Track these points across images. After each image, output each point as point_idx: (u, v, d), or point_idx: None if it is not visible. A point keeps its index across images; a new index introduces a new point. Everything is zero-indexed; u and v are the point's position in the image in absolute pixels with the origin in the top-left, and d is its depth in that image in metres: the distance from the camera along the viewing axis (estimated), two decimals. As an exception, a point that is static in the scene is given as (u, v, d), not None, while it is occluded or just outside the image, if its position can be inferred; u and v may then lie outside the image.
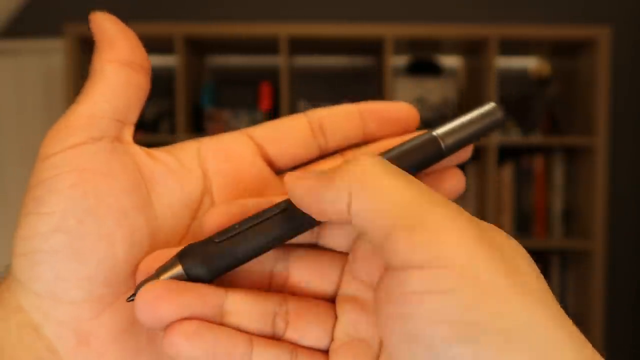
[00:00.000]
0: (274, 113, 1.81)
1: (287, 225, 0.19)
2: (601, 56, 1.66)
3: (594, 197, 1.68)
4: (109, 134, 0.19)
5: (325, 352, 0.20)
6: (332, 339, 0.20)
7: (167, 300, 0.18)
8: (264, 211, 0.20)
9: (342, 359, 0.19)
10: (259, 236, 0.19)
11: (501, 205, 1.77)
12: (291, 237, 0.20)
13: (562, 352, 0.14)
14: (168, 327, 0.18)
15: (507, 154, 1.78)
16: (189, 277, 0.18)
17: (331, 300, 0.21)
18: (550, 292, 0.16)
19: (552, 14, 1.94)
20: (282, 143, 0.22)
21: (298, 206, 0.18)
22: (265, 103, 1.83)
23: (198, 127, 1.79)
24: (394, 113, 0.22)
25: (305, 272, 0.21)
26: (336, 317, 0.20)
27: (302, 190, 0.18)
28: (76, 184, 0.18)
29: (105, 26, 0.20)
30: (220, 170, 0.21)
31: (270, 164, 0.23)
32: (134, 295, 0.18)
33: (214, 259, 0.19)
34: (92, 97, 0.19)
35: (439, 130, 0.21)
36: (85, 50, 1.72)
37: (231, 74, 1.98)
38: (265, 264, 0.21)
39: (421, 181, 0.19)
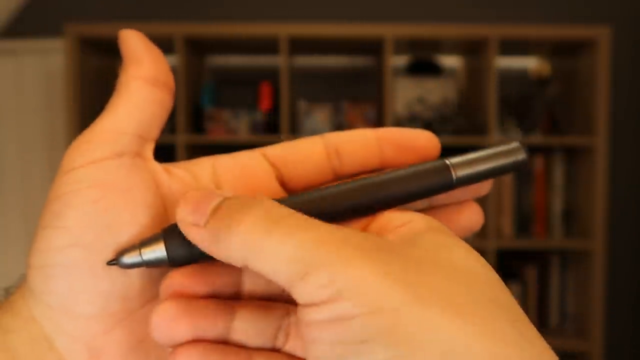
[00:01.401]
0: (274, 113, 1.81)
1: None
2: (601, 56, 1.66)
3: (594, 197, 1.68)
4: (130, 150, 0.20)
5: None
6: None
7: (180, 321, 0.18)
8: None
9: None
10: None
11: (501, 205, 1.77)
12: None
13: (463, 355, 0.15)
14: (176, 350, 0.18)
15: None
16: (169, 256, 0.19)
17: None
18: (476, 287, 0.16)
19: (552, 14, 1.94)
20: (296, 165, 0.22)
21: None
22: (265, 103, 1.83)
23: (198, 127, 1.79)
24: (413, 141, 0.22)
25: None
26: None
27: (194, 238, 0.18)
28: (96, 200, 0.19)
29: (133, 44, 0.20)
30: (234, 187, 0.22)
31: (284, 184, 0.23)
32: (114, 260, 0.18)
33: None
34: (116, 112, 0.20)
35: (454, 160, 0.20)
36: (85, 50, 1.71)
37: (231, 74, 1.98)
38: None
39: (435, 214, 0.19)
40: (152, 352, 0.20)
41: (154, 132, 0.21)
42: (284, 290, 0.21)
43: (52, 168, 1.96)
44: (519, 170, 0.21)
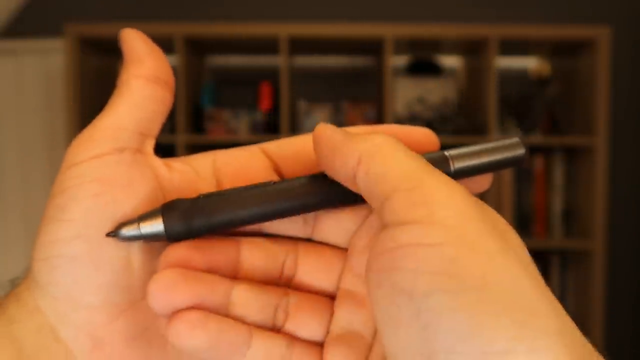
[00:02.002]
0: (274, 113, 1.81)
1: (277, 201, 0.20)
2: (601, 56, 1.66)
3: (594, 197, 1.68)
4: (131, 146, 0.20)
5: (321, 344, 0.21)
6: (327, 332, 0.21)
7: (180, 287, 0.18)
8: (263, 183, 0.20)
9: (335, 350, 0.20)
10: (246, 204, 0.20)
11: (501, 205, 1.77)
12: (280, 215, 0.20)
13: (541, 319, 0.15)
14: (173, 315, 0.18)
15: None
16: (167, 231, 0.19)
17: (333, 295, 0.22)
18: (537, 271, 0.17)
19: (552, 14, 1.94)
20: (295, 161, 0.23)
21: (316, 153, 0.20)
22: (265, 103, 1.83)
23: (198, 127, 1.79)
24: (411, 137, 0.22)
25: (310, 267, 0.22)
26: (333, 312, 0.21)
27: (324, 140, 0.19)
28: (98, 194, 0.19)
29: (135, 43, 0.21)
30: (234, 181, 0.22)
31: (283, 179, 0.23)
32: (113, 232, 0.19)
33: (194, 217, 0.19)
34: (117, 110, 0.20)
35: (452, 152, 0.21)
36: (85, 50, 1.71)
37: (231, 74, 1.98)
38: (278, 257, 0.21)
39: None
40: (154, 341, 0.20)
41: (155, 128, 0.21)
42: (281, 274, 0.21)
43: (52, 168, 1.96)
44: (518, 165, 0.22)
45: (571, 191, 1.81)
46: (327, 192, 0.20)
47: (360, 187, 0.18)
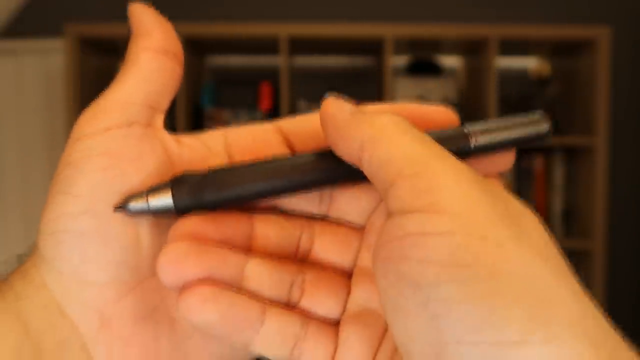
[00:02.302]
0: (274, 113, 1.81)
1: (289, 176, 0.19)
2: (601, 56, 1.66)
3: (594, 197, 1.68)
4: (140, 120, 0.20)
5: (337, 322, 0.20)
6: (344, 310, 0.20)
7: (191, 259, 0.18)
8: (275, 157, 0.20)
9: (351, 328, 0.19)
10: (257, 177, 0.19)
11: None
12: (292, 190, 0.20)
13: (557, 308, 0.14)
14: (184, 288, 0.18)
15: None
16: (175, 206, 0.19)
17: (350, 272, 0.21)
18: (558, 254, 0.16)
19: (552, 14, 1.94)
20: (308, 138, 0.22)
21: (322, 130, 0.19)
22: (265, 103, 1.82)
23: (198, 127, 1.79)
24: (430, 115, 0.21)
25: (327, 244, 0.21)
26: (350, 290, 0.20)
27: (329, 119, 0.19)
28: (106, 168, 0.19)
29: (143, 17, 0.21)
30: (246, 156, 0.22)
31: None
32: (121, 205, 0.18)
33: (204, 191, 0.19)
34: (126, 83, 0.20)
35: (472, 127, 0.20)
36: (85, 50, 1.71)
37: (231, 74, 1.98)
38: (294, 232, 0.21)
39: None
40: (163, 321, 0.20)
41: (164, 102, 0.21)
42: (296, 251, 0.21)
43: (52, 168, 1.96)
44: (541, 142, 0.21)
45: (571, 191, 1.81)
46: (338, 169, 0.19)
47: (365, 171, 0.18)
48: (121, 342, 0.19)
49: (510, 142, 0.20)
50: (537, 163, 1.80)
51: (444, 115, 0.22)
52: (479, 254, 0.14)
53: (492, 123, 0.20)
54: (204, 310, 0.17)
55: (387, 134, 0.17)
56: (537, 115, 0.21)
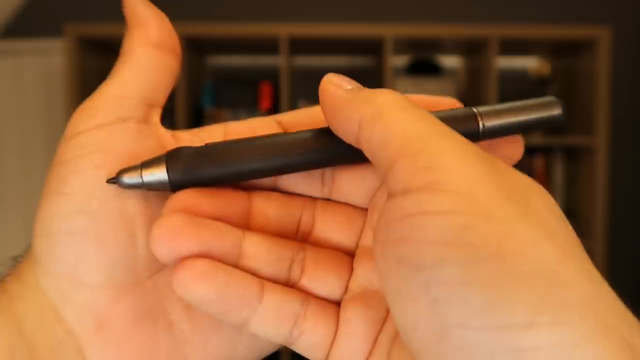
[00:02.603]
0: (274, 113, 1.81)
1: (288, 153, 0.18)
2: (601, 56, 1.66)
3: (594, 197, 1.68)
4: (136, 116, 0.19)
5: (338, 303, 0.19)
6: (345, 291, 0.19)
7: (185, 233, 0.17)
8: (273, 134, 0.19)
9: (353, 309, 0.18)
10: (255, 152, 0.18)
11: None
12: (288, 171, 0.19)
13: (566, 289, 0.13)
14: (179, 263, 0.17)
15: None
16: (170, 180, 0.18)
17: (352, 251, 0.20)
18: (570, 232, 0.15)
19: (552, 14, 1.94)
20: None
21: (321, 108, 0.18)
22: (265, 103, 1.82)
23: (198, 127, 1.79)
24: (434, 106, 0.20)
25: (328, 223, 0.20)
26: (352, 270, 0.20)
27: (328, 97, 0.18)
28: (100, 165, 0.18)
29: (138, 8, 0.20)
30: None
31: None
32: (114, 178, 0.18)
33: (200, 166, 0.18)
34: (121, 77, 0.19)
35: (482, 108, 0.19)
36: (85, 50, 1.71)
37: (231, 74, 1.98)
38: (294, 211, 0.20)
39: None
40: (160, 322, 0.19)
41: (161, 97, 0.20)
42: (297, 230, 0.20)
43: (52, 168, 1.96)
44: (552, 126, 0.20)
45: (571, 191, 1.80)
46: (338, 148, 0.18)
47: (365, 151, 0.17)
48: (117, 345, 0.18)
49: (521, 126, 0.19)
50: (537, 163, 1.80)
51: (450, 105, 0.21)
52: (483, 233, 0.14)
53: (502, 105, 0.19)
54: (199, 285, 0.16)
55: (387, 111, 0.16)
56: (549, 98, 0.20)
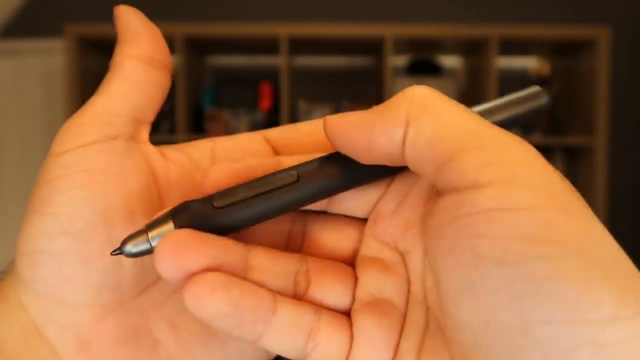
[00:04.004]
0: (274, 113, 1.81)
1: (297, 195, 0.18)
2: (601, 56, 1.66)
3: (594, 197, 1.68)
4: (124, 133, 0.19)
5: (346, 312, 0.19)
6: (353, 300, 0.19)
7: (192, 248, 0.16)
8: (273, 177, 0.18)
9: (366, 318, 0.18)
10: (263, 206, 0.18)
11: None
12: (299, 208, 0.19)
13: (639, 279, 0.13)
14: (191, 278, 0.16)
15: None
16: None
17: (348, 262, 0.20)
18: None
19: (552, 14, 1.94)
20: (297, 148, 0.21)
21: (339, 149, 0.17)
22: (265, 103, 1.83)
23: (198, 127, 1.79)
24: None
25: (321, 234, 0.20)
26: (356, 278, 0.19)
27: (348, 127, 0.17)
28: (86, 186, 0.18)
29: (129, 20, 0.19)
30: None
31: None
32: (118, 249, 0.17)
33: (211, 222, 0.17)
34: (110, 93, 0.19)
35: (476, 108, 0.20)
36: (85, 50, 1.71)
37: (231, 74, 1.98)
38: (283, 223, 0.20)
39: None
40: (145, 343, 0.19)
41: (150, 114, 0.20)
42: (286, 244, 0.19)
43: (52, 168, 1.96)
44: (539, 115, 0.20)
45: (571, 191, 1.80)
46: (350, 174, 0.18)
47: (408, 154, 0.16)
48: None
49: (512, 120, 0.20)
50: (537, 163, 1.80)
51: None
52: (565, 229, 0.14)
53: (491, 103, 0.20)
54: (214, 299, 0.15)
55: (431, 107, 0.16)
56: (534, 89, 0.20)
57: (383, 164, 0.17)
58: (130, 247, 0.17)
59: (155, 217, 0.17)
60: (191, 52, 1.76)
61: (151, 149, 0.20)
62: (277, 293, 0.17)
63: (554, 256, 0.13)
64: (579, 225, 0.14)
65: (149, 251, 0.17)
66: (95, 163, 0.18)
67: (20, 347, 0.18)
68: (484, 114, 0.19)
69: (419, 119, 0.16)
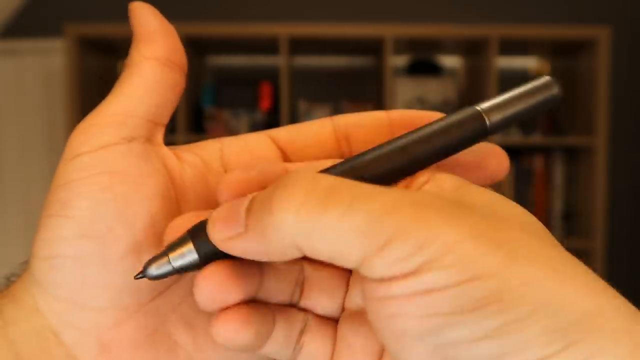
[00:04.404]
0: (274, 113, 1.81)
1: None
2: (601, 56, 1.66)
3: (594, 197, 1.68)
4: (140, 135, 0.19)
5: (336, 320, 0.19)
6: (343, 309, 0.19)
7: (231, 285, 0.16)
8: None
9: (348, 327, 0.18)
10: None
11: (501, 205, 1.77)
12: None
13: (567, 309, 0.13)
14: (221, 315, 0.16)
15: (507, 154, 1.78)
16: (199, 255, 0.17)
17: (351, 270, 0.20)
18: (553, 252, 0.15)
19: (552, 14, 1.94)
20: (304, 149, 0.21)
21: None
22: (265, 103, 1.83)
23: (198, 127, 1.79)
24: (426, 121, 0.20)
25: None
26: (348, 288, 0.19)
27: (236, 251, 0.16)
28: (107, 188, 0.17)
29: (146, 19, 0.19)
30: None
31: None
32: (141, 273, 0.17)
33: None
34: (127, 94, 0.18)
35: (484, 105, 0.19)
36: (85, 50, 1.71)
37: (231, 74, 1.98)
38: None
39: (454, 169, 0.18)
40: (162, 345, 0.19)
41: (166, 116, 0.20)
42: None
43: (52, 168, 1.96)
44: (552, 106, 0.20)
45: (571, 191, 1.81)
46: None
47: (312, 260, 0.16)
48: None
49: (525, 113, 0.19)
50: (537, 163, 1.80)
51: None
52: (479, 296, 0.14)
53: (502, 97, 0.19)
54: (241, 335, 0.16)
55: (313, 222, 0.14)
56: (545, 79, 0.20)
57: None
58: (153, 270, 0.17)
59: (173, 239, 0.17)
60: (191, 52, 1.76)
61: (166, 151, 0.20)
62: (277, 305, 0.18)
63: (472, 323, 0.14)
64: (494, 285, 0.14)
65: (171, 273, 0.17)
66: (115, 165, 0.18)
67: (37, 352, 0.18)
68: (497, 108, 0.19)
69: (309, 242, 0.15)
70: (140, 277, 0.17)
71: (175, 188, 0.19)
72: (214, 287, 0.16)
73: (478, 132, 0.18)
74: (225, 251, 0.16)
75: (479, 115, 0.19)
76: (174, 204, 0.19)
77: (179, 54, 0.20)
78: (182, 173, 0.20)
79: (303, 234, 0.14)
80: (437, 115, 0.21)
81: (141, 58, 0.19)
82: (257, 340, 0.17)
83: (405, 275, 0.14)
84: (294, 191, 0.15)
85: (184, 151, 0.21)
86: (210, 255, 0.17)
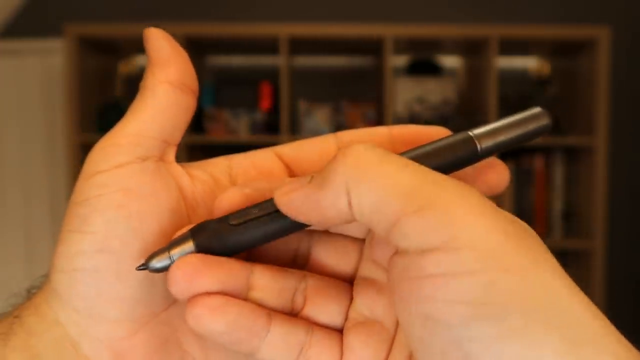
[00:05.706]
0: (274, 113, 1.81)
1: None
2: (601, 56, 1.66)
3: (594, 197, 1.68)
4: (154, 154, 0.20)
5: (340, 330, 0.20)
6: (346, 319, 0.20)
7: (203, 273, 0.18)
8: None
9: (355, 337, 0.19)
10: (275, 223, 0.19)
11: (501, 205, 1.76)
12: (306, 227, 0.20)
13: (582, 327, 0.14)
14: (192, 300, 0.18)
15: (507, 153, 1.78)
16: (198, 252, 0.18)
17: (349, 280, 0.21)
18: (561, 269, 0.16)
19: (552, 14, 1.94)
20: (309, 165, 0.22)
21: (297, 219, 0.18)
22: (265, 103, 1.83)
23: (198, 127, 1.79)
24: (427, 136, 0.21)
25: (326, 253, 0.21)
26: (352, 298, 0.20)
27: (295, 203, 0.17)
28: (122, 205, 0.19)
29: (160, 45, 0.20)
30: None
31: None
32: (143, 265, 0.18)
33: (227, 239, 0.19)
34: (142, 116, 0.20)
35: (477, 130, 0.20)
36: (85, 50, 1.71)
37: (231, 74, 1.98)
38: (290, 242, 0.21)
39: (458, 176, 0.19)
40: (174, 353, 0.20)
41: (177, 136, 0.21)
42: (293, 261, 0.21)
43: (52, 168, 1.96)
44: (541, 136, 0.21)
45: (571, 191, 1.81)
46: None
47: (359, 219, 0.17)
48: None
49: (515, 141, 0.20)
50: (537, 163, 1.80)
51: (440, 135, 0.21)
52: (508, 288, 0.14)
53: (494, 125, 0.20)
54: (212, 320, 0.17)
55: (366, 171, 0.16)
56: (536, 110, 0.21)
57: (344, 225, 0.18)
58: (154, 263, 0.18)
59: (175, 236, 0.19)
60: (191, 52, 1.76)
61: (178, 168, 0.21)
62: (274, 310, 0.19)
63: (498, 318, 0.14)
64: (521, 283, 0.14)
65: (170, 266, 0.18)
66: (130, 183, 0.19)
67: None
68: (487, 135, 0.20)
69: (358, 187, 0.16)
70: (142, 269, 0.18)
71: (186, 203, 0.20)
72: (186, 274, 0.17)
73: (469, 156, 0.20)
74: (281, 207, 0.18)
75: (471, 140, 0.20)
76: (185, 219, 0.20)
77: (191, 78, 0.21)
78: (193, 189, 0.21)
79: (356, 179, 0.16)
80: (438, 130, 0.22)
81: (155, 82, 0.20)
82: (234, 331, 0.18)
83: (437, 248, 0.15)
84: (357, 147, 0.17)
85: (195, 168, 0.22)
86: (208, 253, 0.18)
